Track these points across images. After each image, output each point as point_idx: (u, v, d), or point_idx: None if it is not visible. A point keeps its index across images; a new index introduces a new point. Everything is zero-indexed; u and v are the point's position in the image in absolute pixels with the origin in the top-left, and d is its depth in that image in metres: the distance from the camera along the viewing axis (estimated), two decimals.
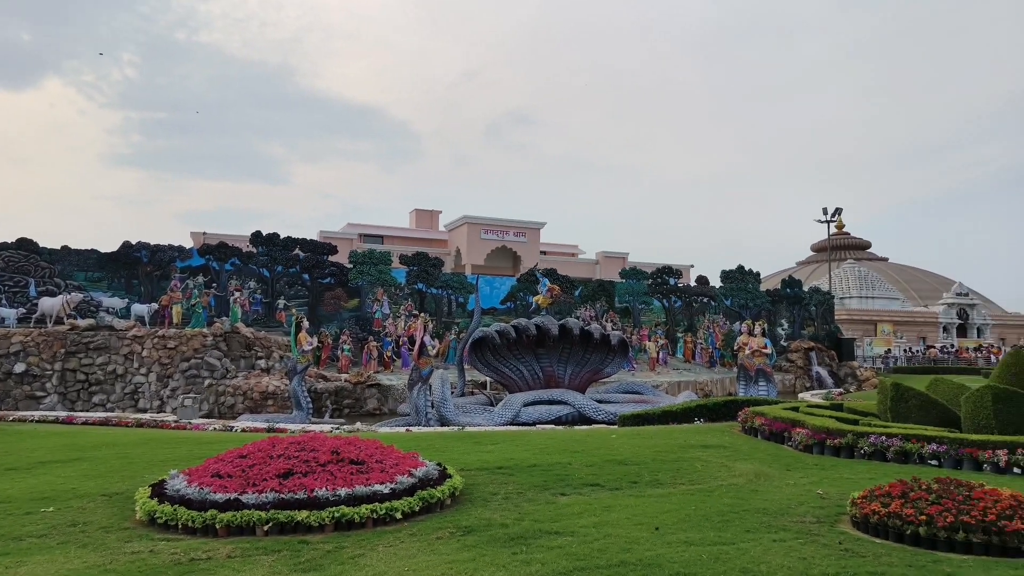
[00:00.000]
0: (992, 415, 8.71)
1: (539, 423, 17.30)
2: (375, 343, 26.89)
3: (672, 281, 34.78)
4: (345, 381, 23.88)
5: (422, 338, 17.73)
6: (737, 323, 32.47)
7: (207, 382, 21.74)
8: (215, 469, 6.32)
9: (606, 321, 31.92)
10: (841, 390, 29.29)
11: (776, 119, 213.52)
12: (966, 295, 64.12)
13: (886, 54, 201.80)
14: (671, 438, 10.79)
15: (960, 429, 9.10)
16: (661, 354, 31.88)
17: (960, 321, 61.58)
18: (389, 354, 27.13)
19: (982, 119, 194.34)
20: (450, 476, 6.89)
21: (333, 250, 28.81)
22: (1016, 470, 7.48)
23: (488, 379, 23.66)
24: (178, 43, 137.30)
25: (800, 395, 25.84)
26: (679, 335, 33.87)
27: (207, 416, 20.25)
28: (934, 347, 49.45)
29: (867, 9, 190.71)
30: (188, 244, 29.11)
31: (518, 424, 17.15)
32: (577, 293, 32.23)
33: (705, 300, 35.41)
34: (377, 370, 26.22)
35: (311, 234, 42.86)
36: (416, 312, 27.24)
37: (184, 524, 5.57)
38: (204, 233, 37.35)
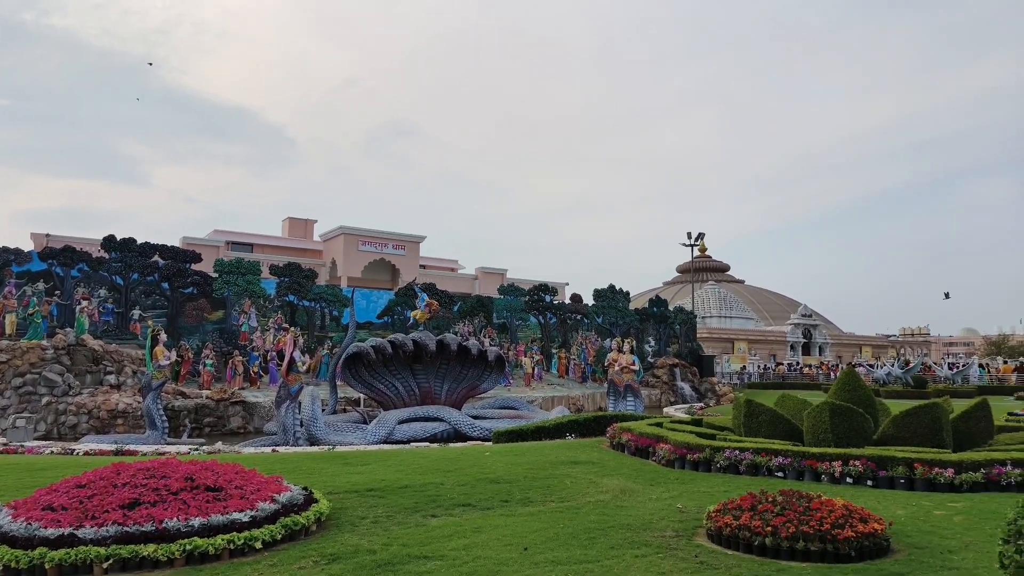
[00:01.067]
0: (829, 429, 9.54)
1: (414, 441, 17.05)
2: (241, 358, 25.50)
3: (548, 298, 35.61)
4: (207, 398, 22.47)
5: (291, 353, 17.03)
6: (608, 340, 33.77)
7: (45, 400, 19.72)
8: (47, 501, 5.69)
9: (484, 337, 32.13)
10: (702, 404, 31.10)
11: (647, 144, 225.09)
12: (810, 316, 70.30)
13: (743, 89, 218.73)
14: (543, 454, 10.96)
15: (803, 442, 9.88)
16: (536, 370, 32.49)
17: (805, 340, 67.38)
18: (256, 369, 25.83)
19: (824, 155, 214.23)
20: (316, 501, 6.61)
21: (197, 258, 27.09)
22: (848, 480, 8.21)
23: (362, 396, 23.08)
24: (24, 25, 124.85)
25: (665, 409, 27.18)
26: (554, 351, 34.68)
27: (43, 438, 18.32)
28: (783, 364, 53.68)
29: (732, 45, 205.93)
30: (28, 246, 26.35)
31: (392, 442, 16.83)
32: (456, 308, 32.23)
33: (578, 317, 36.51)
34: (242, 386, 24.87)
35: (173, 240, 40.11)
36: (286, 326, 26.14)
37: (7, 566, 4.95)
38: (47, 235, 33.97)
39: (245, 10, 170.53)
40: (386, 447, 14.71)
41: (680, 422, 13.00)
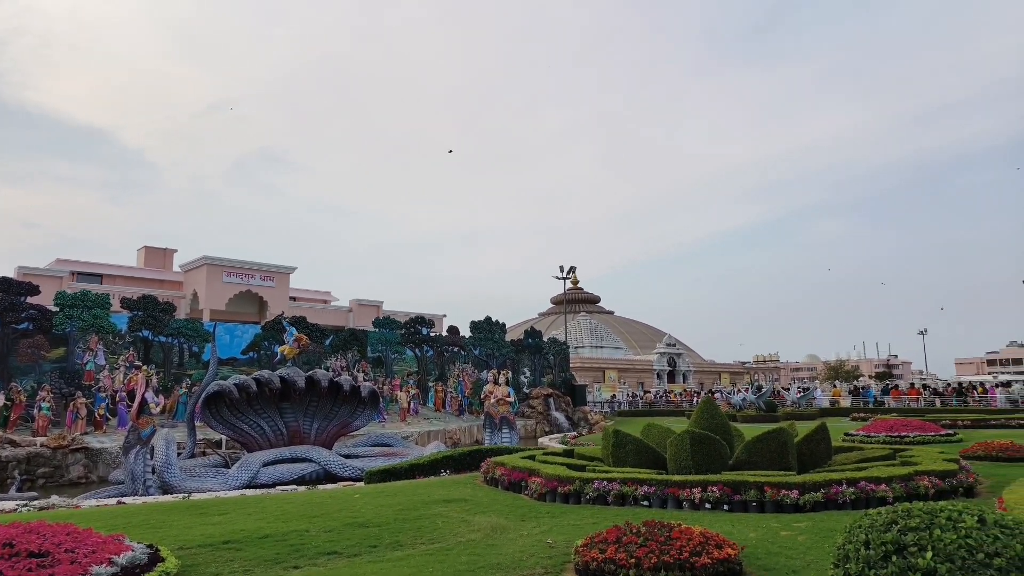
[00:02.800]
0: (690, 456, 10.01)
1: (281, 484, 16.18)
2: (84, 400, 23.22)
3: (425, 331, 35.30)
4: (41, 446, 20.22)
5: (143, 393, 15.73)
6: (485, 372, 33.88)
7: None
8: None
9: (358, 371, 31.26)
10: (575, 433, 31.80)
11: (524, 178, 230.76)
12: (674, 345, 74.19)
13: (615, 130, 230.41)
14: (415, 494, 10.72)
15: (668, 470, 10.30)
16: (412, 404, 31.96)
17: (670, 368, 70.94)
18: (102, 412, 23.60)
19: (687, 192, 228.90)
20: (163, 559, 6.05)
21: (34, 290, 24.54)
22: (707, 505, 8.63)
23: (223, 437, 21.66)
24: None
25: (540, 440, 27.54)
26: (430, 384, 34.31)
27: None
28: (650, 392, 56.10)
29: (605, 87, 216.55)
30: None
31: (257, 486, 15.87)
32: (328, 342, 31.17)
33: (455, 349, 36.43)
34: (86, 431, 22.61)
35: (6, 270, 36.15)
36: (139, 364, 24.16)
37: None
38: None
39: (100, 25, 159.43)
40: (249, 492, 13.83)
41: (553, 454, 13.18)
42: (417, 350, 34.70)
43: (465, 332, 37.56)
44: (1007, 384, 50.18)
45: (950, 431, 19.03)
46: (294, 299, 47.59)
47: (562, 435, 29.44)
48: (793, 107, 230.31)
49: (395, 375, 33.07)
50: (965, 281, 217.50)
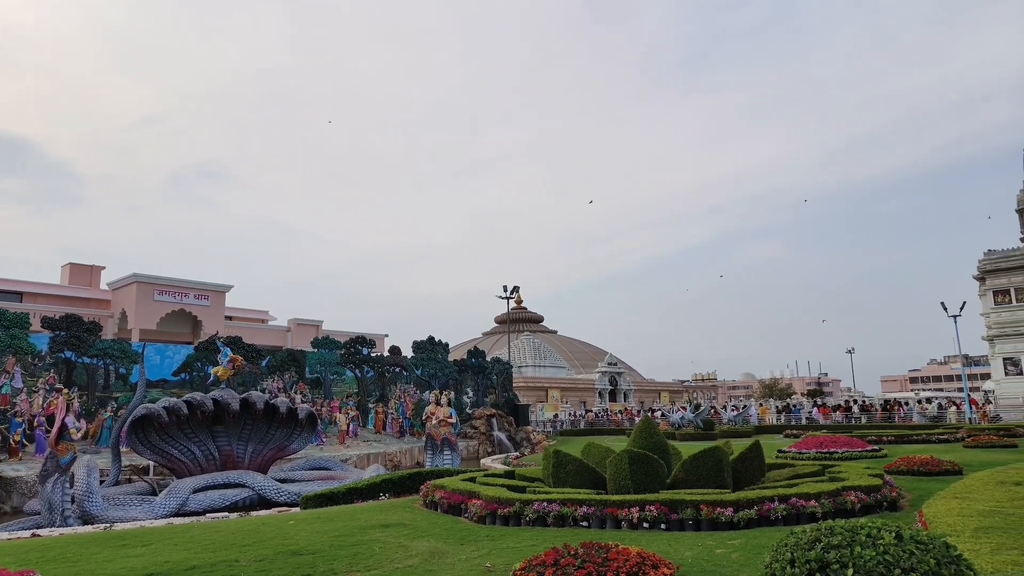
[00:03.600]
0: (629, 476, 10.11)
1: (212, 511, 15.57)
2: None
3: (366, 351, 34.75)
4: None
5: (63, 418, 14.95)
6: (427, 392, 33.54)
7: None
8: None
9: (295, 393, 30.50)
10: (517, 454, 31.72)
11: (470, 197, 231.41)
12: (615, 364, 75.12)
13: (560, 151, 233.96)
14: (353, 519, 10.47)
15: (607, 490, 10.37)
16: (352, 426, 31.33)
17: (612, 387, 71.73)
18: (18, 438, 22.29)
19: (630, 214, 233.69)
20: None
21: None
22: (645, 524, 8.71)
23: (151, 463, 20.74)
24: None
25: (482, 461, 27.34)
26: (371, 406, 33.73)
27: None
28: (592, 411, 56.56)
29: (550, 110, 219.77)
30: None
31: (186, 514, 15.23)
32: (264, 363, 30.33)
33: (397, 370, 35.97)
34: (0, 459, 21.31)
35: None
36: (59, 386, 22.96)
37: None
38: None
39: (23, 30, 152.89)
40: (177, 521, 13.25)
41: (494, 475, 13.10)
42: (357, 371, 34.10)
43: (407, 352, 37.16)
44: (928, 400, 52.66)
45: (876, 447, 19.79)
46: (230, 318, 46.22)
47: (504, 456, 29.31)
48: (727, 134, 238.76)
49: (334, 396, 32.39)
50: (890, 302, 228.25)
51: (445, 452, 22.70)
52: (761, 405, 51.02)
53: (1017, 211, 56.68)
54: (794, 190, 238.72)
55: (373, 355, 35.39)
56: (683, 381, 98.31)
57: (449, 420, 23.18)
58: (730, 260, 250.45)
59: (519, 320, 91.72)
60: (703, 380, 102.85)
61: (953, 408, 41.47)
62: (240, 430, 19.80)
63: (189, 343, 32.87)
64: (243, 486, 17.47)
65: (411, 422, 34.56)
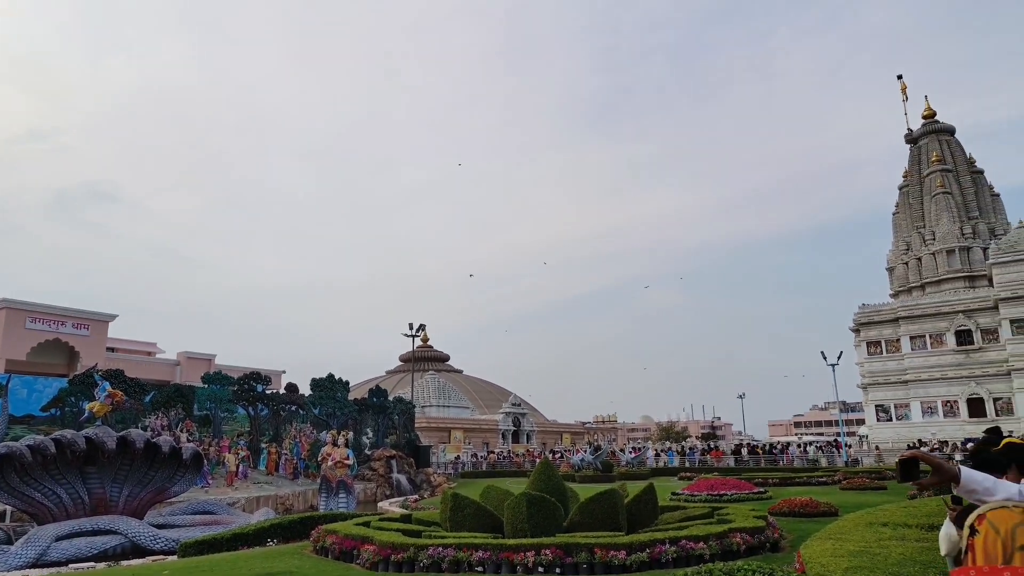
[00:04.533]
0: (526, 519, 10.08)
1: (77, 561, 14.27)
2: None
3: (260, 388, 33.26)
4: None
5: None
6: (324, 432, 32.36)
7: None
8: None
9: (181, 431, 28.69)
10: (417, 496, 31.03)
11: (377, 233, 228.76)
12: (519, 405, 75.33)
13: (470, 191, 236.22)
14: (235, 567, 9.88)
15: (504, 534, 10.29)
16: (241, 467, 29.69)
17: (515, 428, 71.73)
18: None
19: (538, 256, 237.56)
20: None
21: None
22: (540, 569, 8.69)
23: (8, 508, 18.83)
24: None
25: (380, 504, 26.52)
26: (263, 445, 32.16)
27: None
28: (494, 452, 56.26)
29: (460, 148, 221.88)
30: None
31: (46, 565, 13.87)
32: (148, 399, 28.43)
33: (294, 408, 34.60)
34: None
35: None
36: None
37: None
38: None
39: None
40: (35, 573, 12.05)
41: (389, 519, 12.75)
42: (251, 408, 32.52)
43: (305, 390, 35.87)
44: (810, 444, 55.76)
45: (762, 489, 20.70)
46: (113, 350, 43.24)
47: (403, 499, 28.62)
48: (630, 184, 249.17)
49: (224, 435, 30.68)
50: (777, 349, 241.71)
51: (340, 495, 21.88)
52: (716, 448, 51.76)
53: (887, 269, 61.86)
54: (690, 240, 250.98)
55: (268, 392, 33.91)
56: (585, 423, 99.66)
57: (346, 461, 22.42)
58: (630, 305, 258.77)
59: (424, 359, 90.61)
60: (604, 422, 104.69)
61: (821, 453, 44.13)
62: (115, 471, 18.34)
63: (64, 376, 30.42)
64: (114, 532, 16.12)
65: (306, 463, 33.16)
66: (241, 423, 32.00)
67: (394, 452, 37.04)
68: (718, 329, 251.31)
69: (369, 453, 36.75)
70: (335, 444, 22.79)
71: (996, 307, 48.86)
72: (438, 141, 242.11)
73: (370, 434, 38.52)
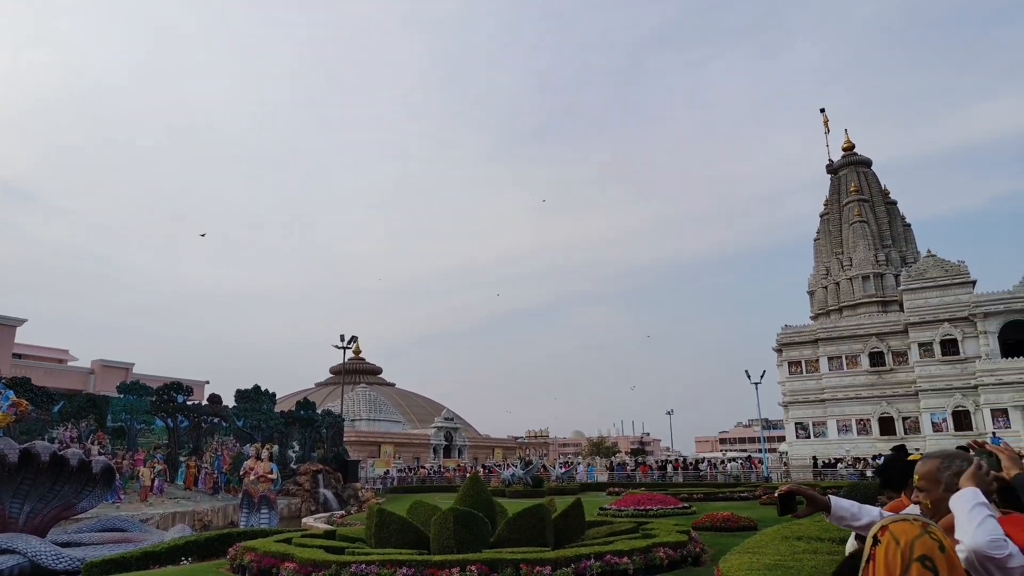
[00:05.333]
0: (453, 535, 9.98)
1: None
2: None
3: (181, 398, 31.90)
4: None
5: None
6: (247, 445, 31.25)
7: None
8: None
9: (92, 443, 27.19)
10: (343, 512, 30.29)
11: (310, 241, 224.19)
12: (452, 420, 74.79)
13: (406, 203, 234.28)
14: None
15: (431, 550, 10.15)
16: (157, 481, 28.33)
17: (447, 443, 71.13)
18: None
19: (475, 272, 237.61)
20: None
21: None
22: None
23: None
24: None
25: (304, 520, 25.74)
26: (182, 459, 30.81)
27: None
28: (424, 467, 55.63)
29: (398, 157, 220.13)
30: None
31: None
32: (57, 409, 26.86)
33: (216, 420, 33.33)
34: None
35: None
36: None
37: None
38: None
39: None
40: None
41: (313, 535, 12.40)
42: (170, 420, 31.14)
43: (229, 401, 34.62)
44: (733, 460, 57.39)
45: (686, 504, 21.15)
46: (19, 356, 40.71)
47: (329, 514, 27.87)
48: (568, 202, 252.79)
49: (140, 448, 29.25)
50: (706, 367, 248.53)
51: (263, 511, 21.14)
52: (644, 463, 51.88)
53: (808, 292, 64.67)
54: (627, 259, 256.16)
55: (190, 403, 32.56)
56: (517, 438, 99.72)
57: (270, 476, 21.69)
58: (566, 322, 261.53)
59: (356, 371, 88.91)
60: (536, 437, 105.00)
61: (744, 468, 45.54)
62: (17, 486, 17.18)
63: None
64: (12, 552, 15.08)
65: (227, 477, 31.92)
66: (159, 435, 30.59)
67: (321, 466, 36.10)
68: (650, 346, 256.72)
69: (295, 467, 35.72)
70: (259, 458, 22.03)
71: (906, 331, 51.67)
72: (378, 151, 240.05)
73: (297, 448, 37.46)
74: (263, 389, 36.23)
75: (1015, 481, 2.69)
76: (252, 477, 21.38)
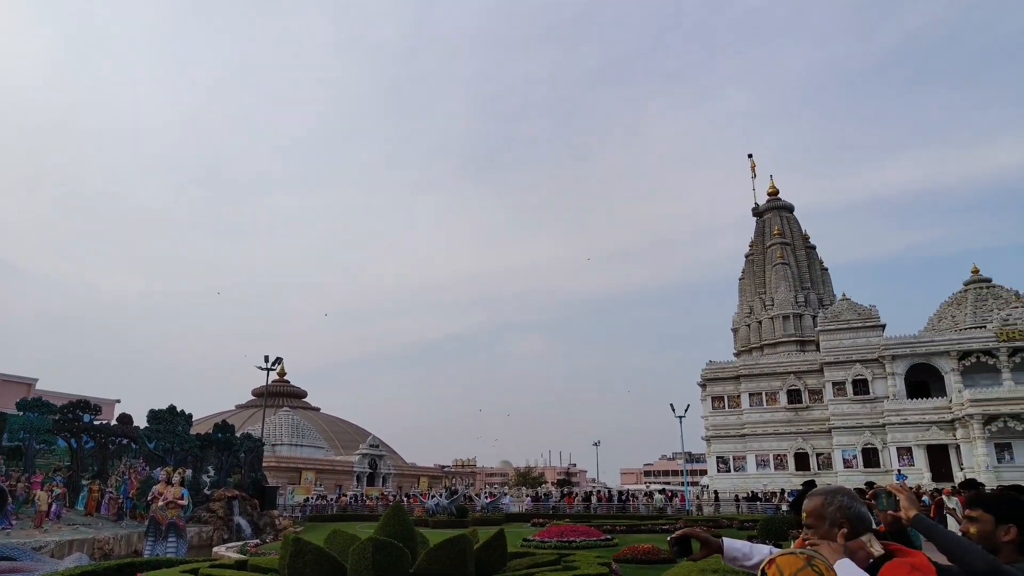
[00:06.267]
0: (371, 566, 9.68)
1: None
2: None
3: (87, 418, 30.07)
4: None
5: None
6: (158, 469, 29.66)
7: None
8: None
9: None
10: (258, 541, 29.03)
11: (237, 259, 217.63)
12: (377, 447, 73.25)
13: (341, 225, 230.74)
14: None
15: None
16: (55, 506, 26.48)
17: (371, 470, 69.50)
18: None
19: (401, 297, 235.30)
20: None
21: None
22: None
23: None
24: None
25: (215, 549, 24.52)
26: (84, 483, 28.94)
27: None
28: (346, 495, 54.15)
29: (333, 179, 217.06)
30: None
31: None
32: None
33: (125, 442, 31.54)
34: None
35: None
36: None
37: None
38: None
39: None
40: None
41: (222, 565, 11.82)
42: (74, 440, 29.27)
43: (142, 421, 32.86)
44: (658, 492, 58.22)
45: (609, 536, 21.27)
46: None
47: (242, 543, 26.67)
48: (505, 231, 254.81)
49: (38, 470, 27.33)
50: (634, 399, 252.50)
51: (170, 538, 20.04)
52: (570, 494, 51.24)
53: (733, 330, 66.93)
54: (559, 290, 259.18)
55: (97, 423, 30.73)
56: (444, 467, 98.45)
57: (180, 502, 20.62)
58: (496, 350, 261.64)
59: (280, 394, 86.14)
60: (463, 466, 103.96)
61: (667, 501, 46.31)
62: None
63: None
64: None
65: (134, 503, 30.14)
66: (61, 457, 28.70)
67: (237, 492, 34.60)
68: (579, 378, 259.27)
69: (208, 493, 34.10)
70: (169, 482, 20.93)
71: (821, 370, 54.02)
72: (314, 171, 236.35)
73: (212, 472, 35.82)
74: (179, 410, 34.59)
75: (915, 522, 2.80)
76: (160, 503, 20.29)
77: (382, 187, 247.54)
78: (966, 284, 59.93)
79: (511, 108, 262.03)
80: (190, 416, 35.42)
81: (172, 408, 34.34)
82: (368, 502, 48.57)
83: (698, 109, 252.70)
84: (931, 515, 10.73)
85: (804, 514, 2.57)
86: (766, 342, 61.78)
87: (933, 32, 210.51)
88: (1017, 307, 50.77)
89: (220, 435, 36.96)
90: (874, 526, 2.67)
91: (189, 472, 27.88)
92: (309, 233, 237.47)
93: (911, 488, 25.37)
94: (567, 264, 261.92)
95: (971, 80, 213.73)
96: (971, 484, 10.44)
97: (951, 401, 48.03)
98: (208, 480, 35.24)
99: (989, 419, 44.43)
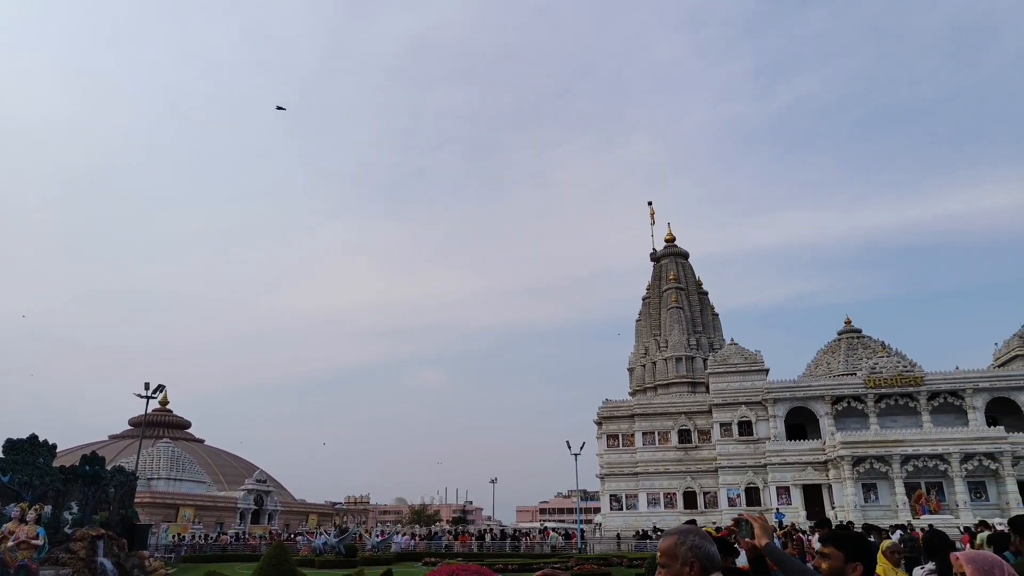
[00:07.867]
0: None
1: None
2: None
3: None
4: None
5: None
6: (12, 505, 26.93)
7: None
8: None
9: None
10: None
11: (118, 279, 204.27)
12: (264, 482, 69.73)
13: (235, 249, 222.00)
14: None
15: None
16: None
17: (256, 507, 65.94)
18: None
19: (300, 326, 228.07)
20: None
21: None
22: None
23: None
24: None
25: None
26: None
27: None
28: (227, 533, 51.08)
29: (228, 199, 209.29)
30: None
31: None
32: None
33: None
34: None
35: None
36: None
37: None
38: None
39: None
40: None
41: None
42: None
43: None
44: (555, 529, 58.39)
45: (502, 575, 21.07)
46: None
47: None
48: (413, 263, 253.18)
49: None
50: (532, 436, 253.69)
51: None
52: (464, 532, 50.01)
53: (628, 369, 68.90)
54: (462, 325, 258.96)
55: None
56: (335, 503, 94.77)
57: (34, 541, 18.76)
58: (395, 383, 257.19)
59: (160, 424, 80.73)
60: (356, 503, 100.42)
61: (557, 535, 46.56)
62: None
63: None
64: None
65: None
66: None
67: (102, 531, 31.76)
68: (477, 413, 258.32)
69: (70, 532, 31.20)
70: (23, 520, 19.04)
71: (710, 411, 56.38)
72: (218, 191, 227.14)
73: (75, 509, 32.82)
74: (42, 440, 31.66)
75: (766, 550, 3.03)
76: (11, 543, 18.41)
77: (288, 212, 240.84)
78: (839, 334, 64.72)
79: (424, 141, 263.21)
80: (54, 447, 32.42)
81: (34, 438, 31.33)
82: (251, 540, 45.97)
83: (606, 154, 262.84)
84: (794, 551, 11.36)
85: (659, 553, 2.67)
86: (660, 382, 63.96)
87: (821, 98, 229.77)
88: (883, 356, 55.07)
89: (88, 468, 33.97)
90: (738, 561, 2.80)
91: (48, 508, 25.44)
92: (209, 255, 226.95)
93: (787, 526, 26.73)
94: (472, 299, 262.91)
95: (852, 144, 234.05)
96: (824, 523, 11.20)
97: (824, 443, 51.22)
98: (70, 518, 32.23)
99: (857, 460, 47.62)
